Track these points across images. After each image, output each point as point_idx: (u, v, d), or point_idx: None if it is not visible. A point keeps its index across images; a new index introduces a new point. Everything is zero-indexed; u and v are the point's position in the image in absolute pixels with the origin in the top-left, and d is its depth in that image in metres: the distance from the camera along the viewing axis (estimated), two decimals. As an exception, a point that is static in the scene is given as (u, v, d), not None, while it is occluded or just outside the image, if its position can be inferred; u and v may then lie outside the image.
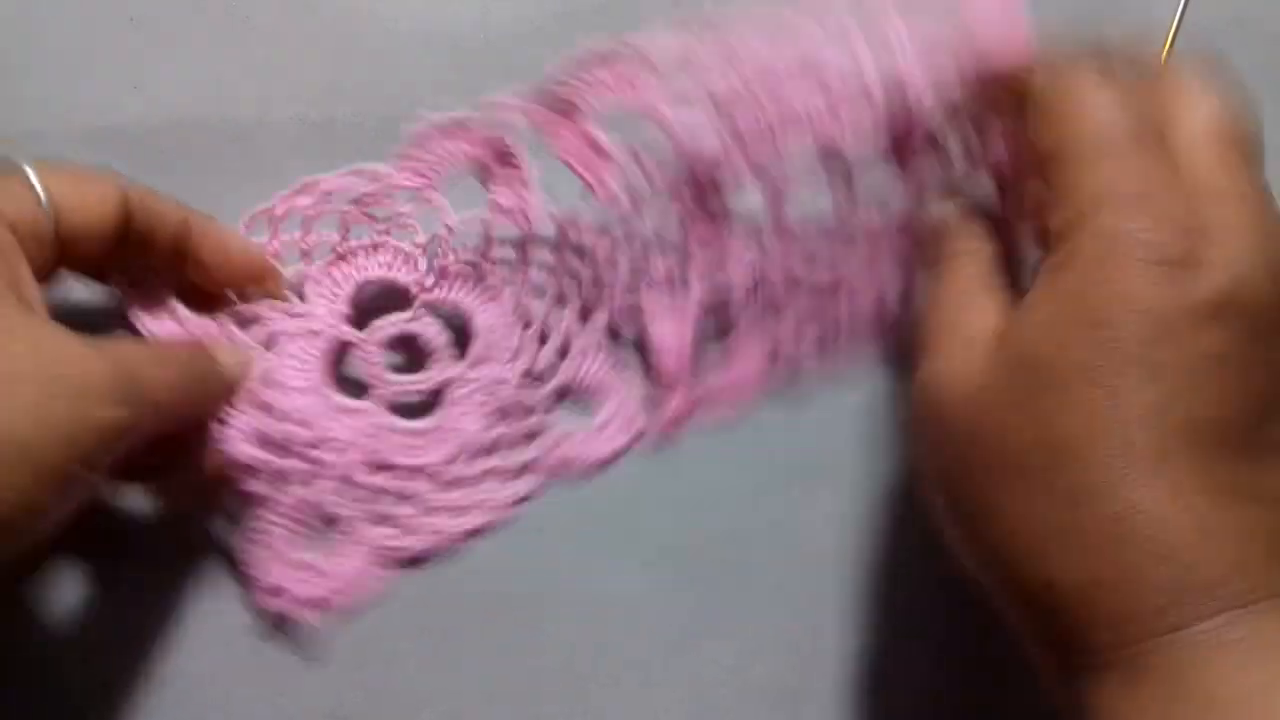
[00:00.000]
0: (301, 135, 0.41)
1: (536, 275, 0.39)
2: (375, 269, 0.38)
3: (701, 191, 0.37)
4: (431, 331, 0.38)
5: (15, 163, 0.31)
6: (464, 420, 0.38)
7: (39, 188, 0.31)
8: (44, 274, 0.31)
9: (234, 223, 0.40)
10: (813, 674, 0.38)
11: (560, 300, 0.39)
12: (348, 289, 0.38)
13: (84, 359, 0.28)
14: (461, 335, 0.39)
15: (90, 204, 0.32)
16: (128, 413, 0.29)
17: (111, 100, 0.41)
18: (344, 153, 0.41)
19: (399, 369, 0.38)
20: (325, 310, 0.38)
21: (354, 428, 0.37)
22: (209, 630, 0.37)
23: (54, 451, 0.27)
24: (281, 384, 0.36)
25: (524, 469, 0.38)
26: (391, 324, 0.38)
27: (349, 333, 0.38)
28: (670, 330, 0.39)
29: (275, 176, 0.41)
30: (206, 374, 0.34)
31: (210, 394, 0.34)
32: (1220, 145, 0.30)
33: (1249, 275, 0.27)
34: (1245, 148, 0.30)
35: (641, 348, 0.39)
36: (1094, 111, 0.29)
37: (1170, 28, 0.43)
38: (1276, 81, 0.43)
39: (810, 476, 0.39)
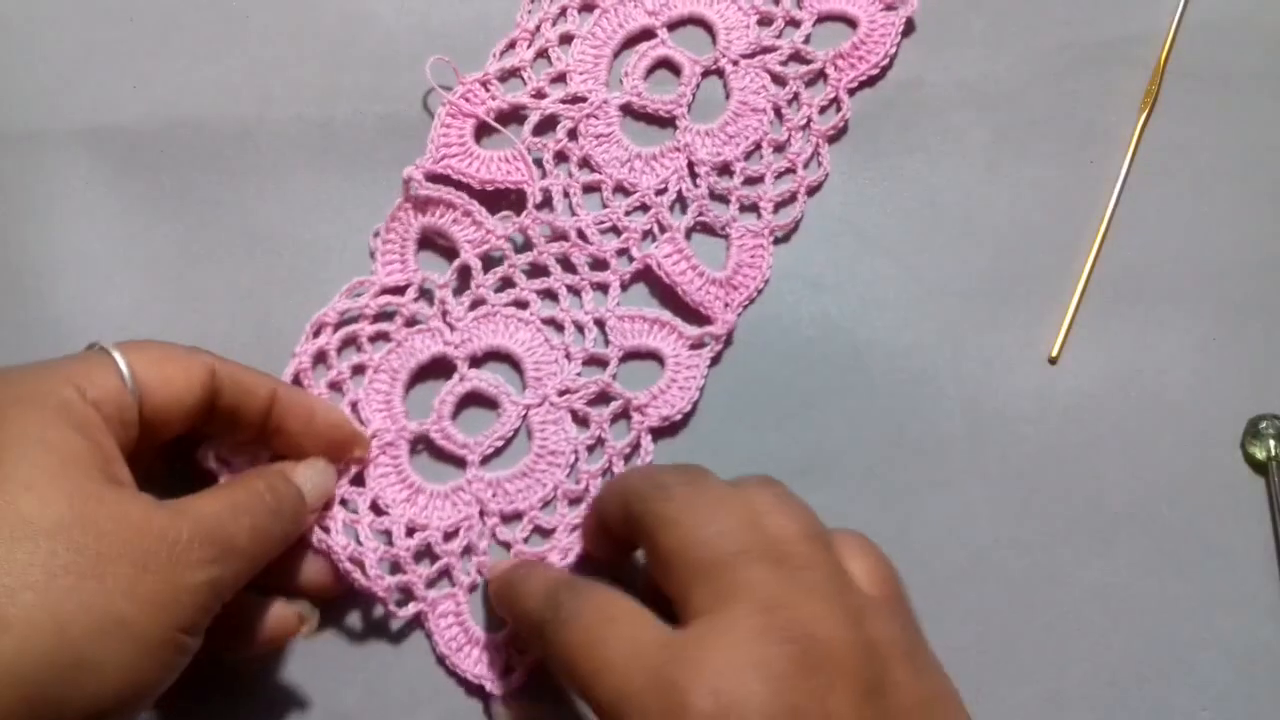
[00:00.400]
0: (301, 135, 0.41)
1: (527, 283, 0.40)
2: (410, 362, 0.39)
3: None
4: (487, 383, 0.39)
5: (103, 345, 0.31)
6: (558, 437, 0.39)
7: (124, 368, 0.31)
8: (130, 450, 0.31)
9: (237, 230, 0.40)
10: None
11: (572, 290, 0.40)
12: (397, 391, 0.38)
13: (170, 527, 0.29)
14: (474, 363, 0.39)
15: (175, 383, 0.32)
16: (218, 570, 0.29)
17: (111, 100, 0.41)
18: (343, 152, 0.41)
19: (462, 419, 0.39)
20: (387, 420, 0.38)
21: (472, 500, 0.38)
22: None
23: (153, 624, 0.27)
24: (392, 503, 0.37)
25: (633, 448, 0.39)
26: (450, 394, 0.38)
27: (420, 427, 0.38)
28: (680, 266, 0.40)
29: (275, 176, 0.41)
30: (282, 505, 0.33)
31: (292, 520, 0.34)
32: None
33: None
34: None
35: (666, 297, 0.40)
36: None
37: (1170, 28, 0.43)
38: (1277, 81, 0.43)
39: (810, 476, 0.39)
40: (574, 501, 0.38)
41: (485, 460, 0.38)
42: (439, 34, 0.42)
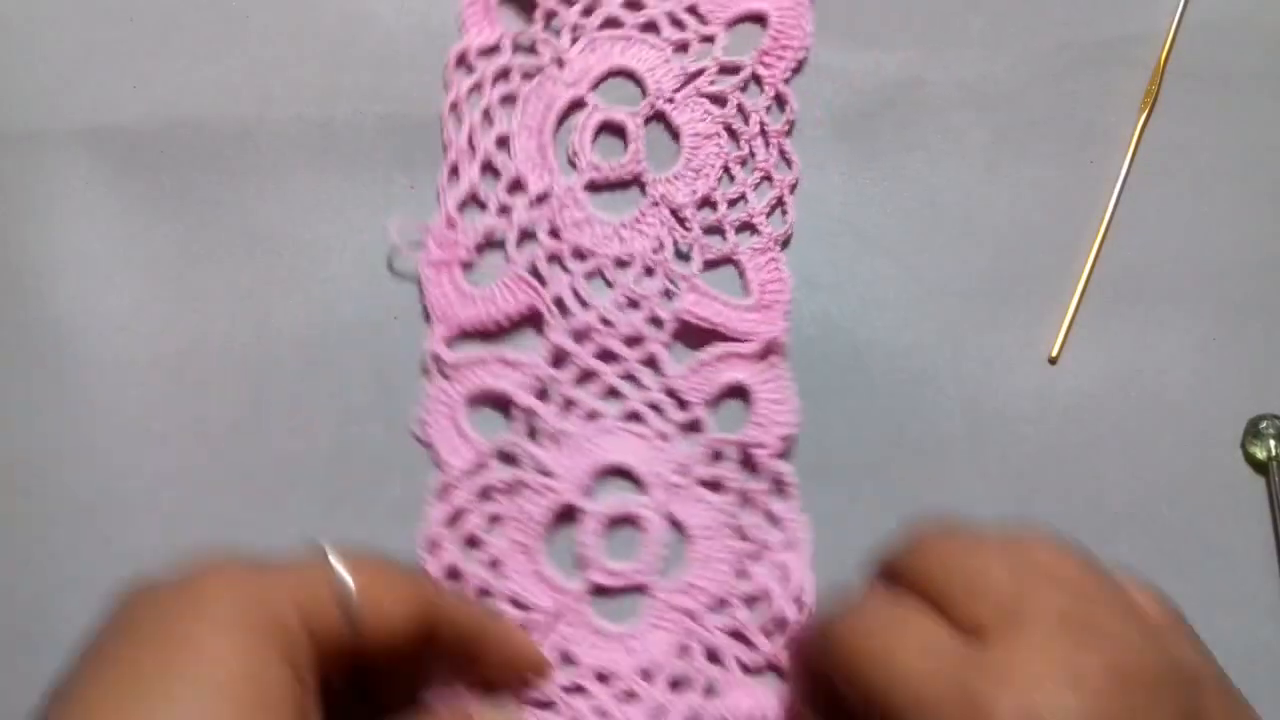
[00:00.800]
0: (301, 135, 0.41)
1: (587, 396, 0.39)
2: (536, 528, 0.38)
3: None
4: (614, 506, 0.38)
5: (329, 552, 0.28)
6: (707, 514, 0.38)
7: (351, 592, 0.27)
8: (332, 681, 0.28)
9: (237, 230, 0.40)
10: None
11: (628, 378, 0.39)
12: (539, 557, 0.38)
13: None
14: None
15: (394, 609, 0.28)
16: None
17: (111, 100, 0.41)
18: (344, 152, 0.41)
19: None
20: (551, 592, 0.37)
21: (675, 612, 0.37)
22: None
23: None
24: (610, 665, 0.37)
25: (776, 484, 0.38)
26: (591, 535, 0.37)
27: (585, 580, 0.37)
28: (713, 307, 0.39)
29: (275, 176, 0.41)
30: None
31: None
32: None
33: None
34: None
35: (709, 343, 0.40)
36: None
37: (1170, 28, 0.43)
38: (1277, 81, 0.43)
39: (810, 476, 0.39)
40: (755, 558, 0.38)
41: (661, 573, 0.38)
42: (439, 34, 0.42)
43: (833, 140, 0.42)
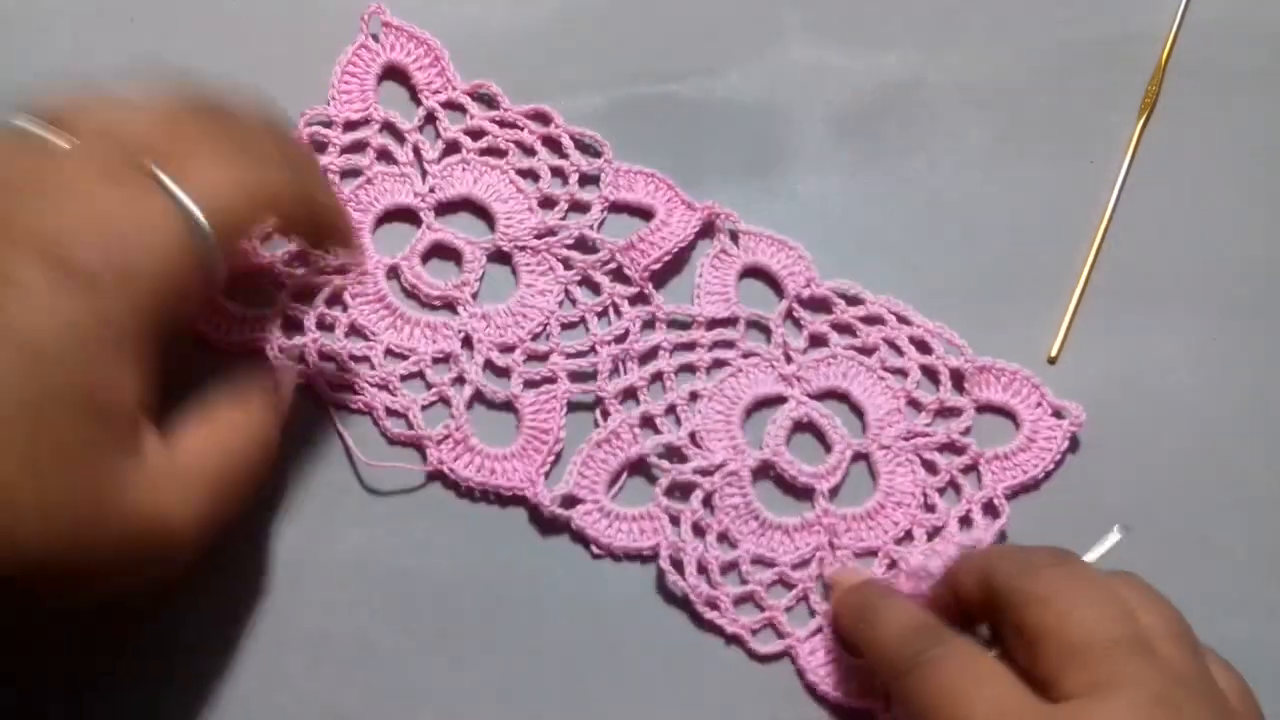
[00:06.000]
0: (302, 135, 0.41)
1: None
2: (749, 392, 0.39)
3: None
4: (818, 412, 0.39)
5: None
6: (907, 479, 0.38)
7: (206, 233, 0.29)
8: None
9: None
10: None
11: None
12: (735, 419, 0.39)
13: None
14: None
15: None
16: None
17: (111, 100, 0.41)
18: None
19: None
20: (730, 450, 0.38)
21: (823, 531, 0.38)
22: (210, 629, 0.37)
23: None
24: (740, 536, 0.38)
25: (987, 507, 0.38)
26: (786, 419, 0.39)
27: (764, 456, 0.38)
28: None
29: (275, 176, 0.41)
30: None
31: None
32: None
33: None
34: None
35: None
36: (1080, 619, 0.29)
37: (1170, 28, 0.43)
38: (1277, 81, 0.43)
39: (810, 476, 0.39)
40: (931, 534, 0.38)
41: (832, 493, 0.38)
42: (439, 34, 0.42)
43: (833, 140, 0.42)
